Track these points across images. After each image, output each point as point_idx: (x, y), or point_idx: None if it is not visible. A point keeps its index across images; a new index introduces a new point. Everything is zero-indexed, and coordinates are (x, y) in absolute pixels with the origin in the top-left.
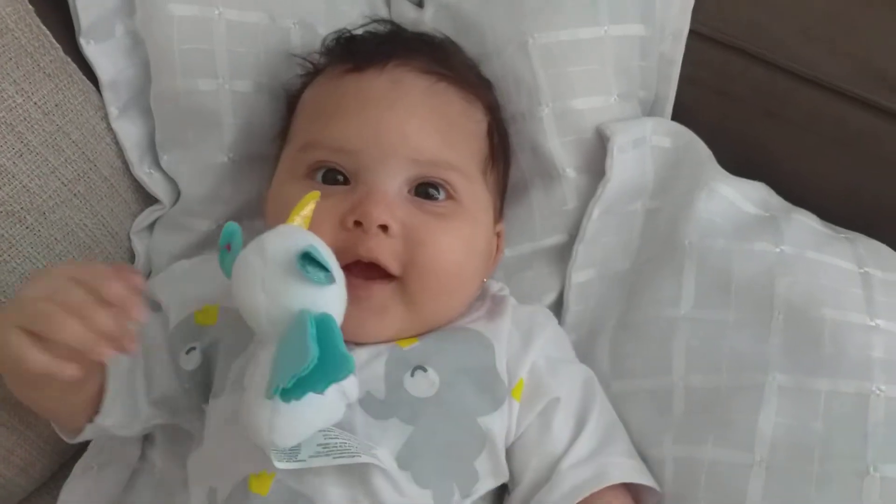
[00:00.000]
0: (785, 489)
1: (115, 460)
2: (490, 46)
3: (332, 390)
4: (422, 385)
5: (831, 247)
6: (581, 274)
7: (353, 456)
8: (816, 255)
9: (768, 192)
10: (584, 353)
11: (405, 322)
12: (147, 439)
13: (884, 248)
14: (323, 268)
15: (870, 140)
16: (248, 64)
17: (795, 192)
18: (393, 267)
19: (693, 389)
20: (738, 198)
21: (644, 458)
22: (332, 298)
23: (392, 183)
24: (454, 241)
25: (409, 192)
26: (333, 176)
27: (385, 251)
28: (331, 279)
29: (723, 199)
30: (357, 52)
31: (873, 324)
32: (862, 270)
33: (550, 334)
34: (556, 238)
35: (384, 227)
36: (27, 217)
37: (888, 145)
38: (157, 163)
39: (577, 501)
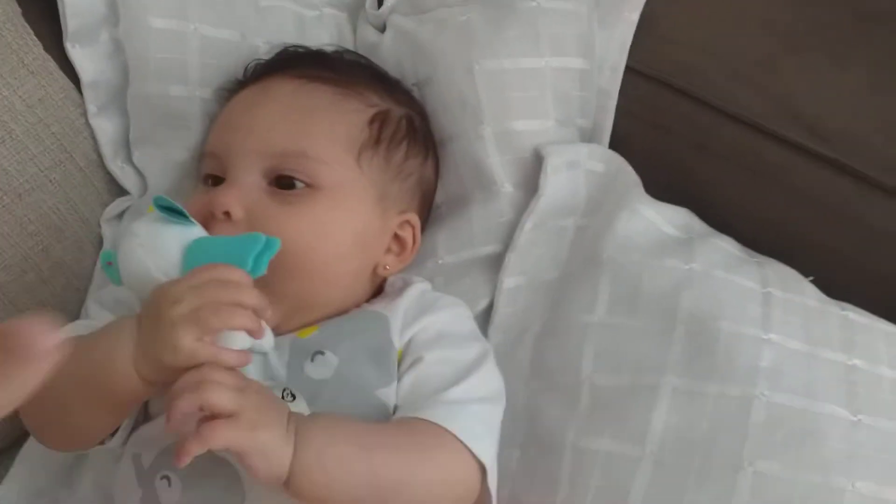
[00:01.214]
0: (668, 481)
1: None
2: (441, 69)
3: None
4: (321, 368)
5: (740, 268)
6: (511, 280)
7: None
8: (723, 274)
9: (691, 217)
10: (508, 353)
11: (278, 308)
12: None
13: (791, 273)
14: (179, 210)
15: (785, 173)
16: (216, 75)
17: (720, 218)
18: None
19: (597, 388)
20: (659, 220)
21: (549, 448)
22: (201, 232)
23: (247, 176)
24: (301, 225)
25: (269, 184)
26: (216, 181)
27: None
28: (189, 218)
29: (643, 220)
30: (252, 73)
31: (766, 337)
32: (765, 290)
33: (448, 315)
34: (492, 247)
35: (228, 214)
36: (4, 197)
37: (801, 179)
38: (129, 158)
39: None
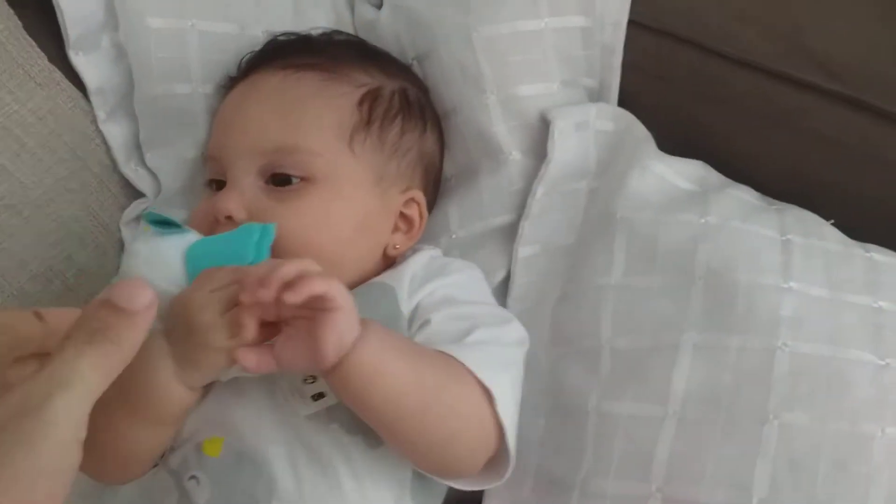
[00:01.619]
0: (693, 437)
1: None
2: (438, 40)
3: None
4: None
5: (758, 217)
6: (527, 249)
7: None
8: (740, 225)
9: (706, 169)
10: (528, 323)
11: None
12: None
13: (811, 217)
14: (172, 221)
15: (799, 116)
16: (219, 69)
17: (736, 168)
18: None
19: (618, 351)
20: (672, 174)
21: (573, 416)
22: (197, 237)
23: (245, 177)
24: (301, 219)
25: (266, 182)
26: (220, 185)
27: None
28: (182, 227)
29: (655, 176)
30: (242, 68)
31: (786, 286)
32: (784, 238)
33: (457, 278)
34: (505, 217)
35: (230, 218)
36: (24, 210)
37: (816, 120)
38: (142, 160)
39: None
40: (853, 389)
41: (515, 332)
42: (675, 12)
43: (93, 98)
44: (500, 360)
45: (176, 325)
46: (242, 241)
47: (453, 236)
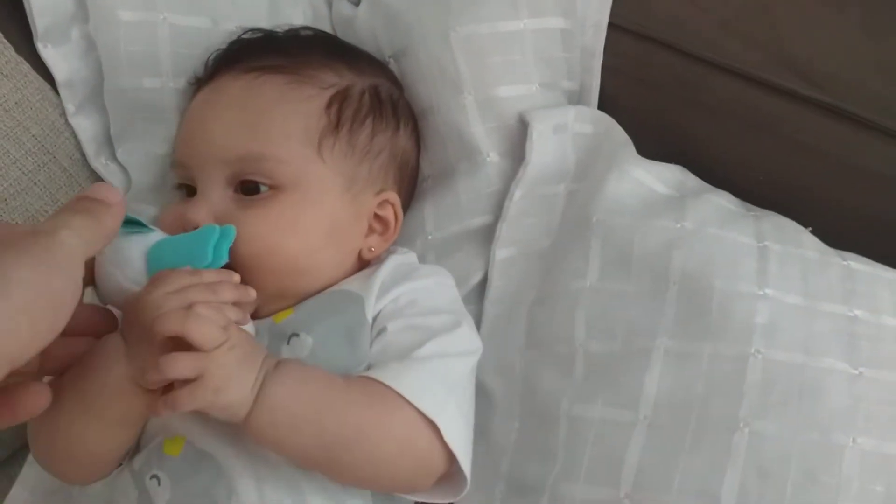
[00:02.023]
0: (663, 444)
1: None
2: (416, 39)
3: None
4: (297, 350)
5: (735, 223)
6: (503, 251)
7: None
8: (717, 231)
9: (685, 174)
10: (505, 325)
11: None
12: None
13: (790, 225)
14: (136, 220)
15: (780, 123)
16: (190, 64)
17: (716, 174)
18: None
19: (591, 354)
20: (650, 179)
21: (546, 419)
22: (161, 236)
23: (213, 187)
24: (269, 227)
25: (235, 191)
26: (190, 189)
27: None
28: (147, 226)
29: (633, 180)
30: (207, 70)
31: (762, 293)
32: (761, 244)
33: (423, 284)
34: (482, 219)
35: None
36: None
37: (796, 128)
38: (112, 155)
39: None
40: (825, 398)
41: (465, 338)
42: (658, 17)
43: (61, 91)
44: (447, 378)
45: (131, 325)
46: (201, 243)
47: (429, 237)
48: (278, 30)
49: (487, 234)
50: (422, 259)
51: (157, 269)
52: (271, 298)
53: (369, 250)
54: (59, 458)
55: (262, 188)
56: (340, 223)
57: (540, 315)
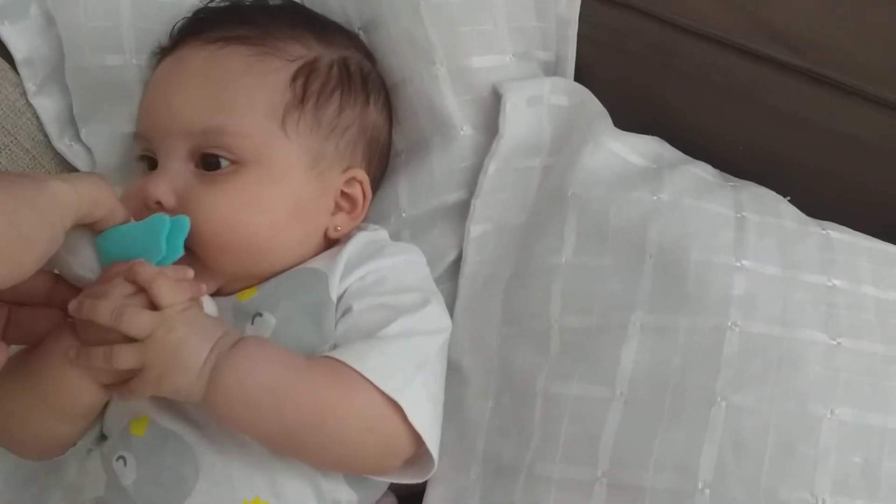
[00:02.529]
0: (639, 421)
1: None
2: (385, 10)
3: None
4: (260, 329)
5: (712, 194)
6: (478, 228)
7: None
8: (693, 202)
9: (661, 145)
10: (480, 303)
11: (217, 280)
12: None
13: (768, 194)
14: None
15: (758, 90)
16: (154, 40)
17: (694, 144)
18: None
19: (567, 330)
20: (625, 151)
21: (521, 397)
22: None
23: (174, 160)
24: (230, 204)
25: (196, 165)
26: (152, 162)
27: None
28: None
29: (608, 152)
30: (169, 41)
31: (738, 264)
32: (739, 215)
33: (391, 262)
34: (457, 195)
35: (160, 203)
36: None
37: (775, 94)
38: (77, 136)
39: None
40: (803, 370)
41: (433, 316)
42: None
43: (21, 70)
44: (413, 357)
45: (82, 320)
46: (153, 234)
47: (403, 215)
48: None
49: (462, 211)
50: (396, 236)
51: (109, 260)
52: (234, 278)
53: (335, 229)
54: (14, 440)
55: (224, 163)
56: (305, 201)
57: (516, 291)
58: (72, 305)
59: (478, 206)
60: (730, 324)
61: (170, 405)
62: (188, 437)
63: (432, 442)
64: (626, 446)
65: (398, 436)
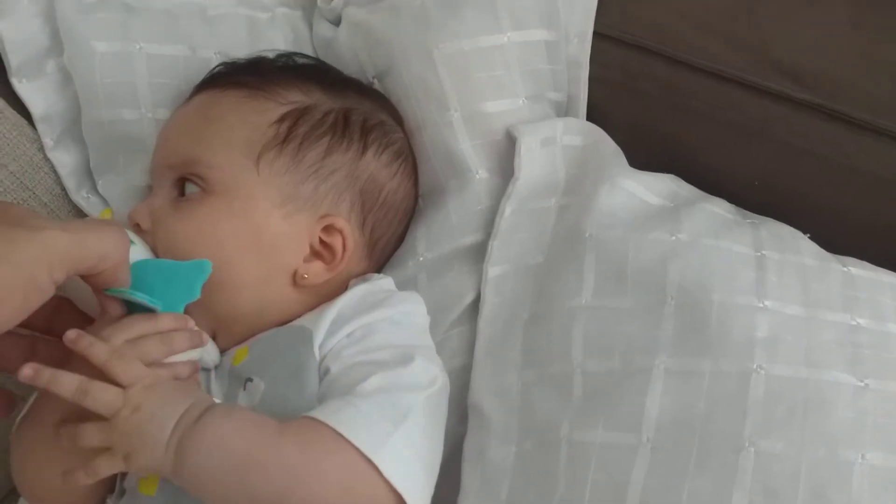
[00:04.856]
0: (667, 468)
1: None
2: (398, 58)
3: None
4: (253, 395)
5: (731, 232)
6: (496, 269)
7: None
8: (713, 242)
9: (678, 183)
10: (500, 345)
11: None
12: None
13: (787, 231)
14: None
15: (770, 126)
16: (168, 94)
17: (709, 181)
18: None
19: (589, 374)
20: (642, 190)
21: (545, 443)
22: (144, 252)
23: (161, 189)
24: (187, 230)
25: (178, 193)
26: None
27: None
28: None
29: (624, 192)
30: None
31: (761, 305)
32: (759, 254)
33: (388, 314)
34: (474, 237)
35: (138, 225)
36: None
37: (787, 130)
38: (94, 188)
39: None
40: (831, 413)
41: (417, 371)
42: (642, 24)
43: (38, 125)
44: (391, 413)
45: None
46: (194, 277)
47: (420, 259)
48: (270, 55)
49: (479, 253)
50: (413, 280)
51: (142, 287)
52: (207, 322)
53: (303, 277)
54: (34, 495)
55: (194, 189)
56: (267, 239)
57: (536, 334)
58: (24, 371)
59: (495, 247)
60: (755, 367)
61: None
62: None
63: (417, 499)
64: (654, 495)
65: (378, 495)
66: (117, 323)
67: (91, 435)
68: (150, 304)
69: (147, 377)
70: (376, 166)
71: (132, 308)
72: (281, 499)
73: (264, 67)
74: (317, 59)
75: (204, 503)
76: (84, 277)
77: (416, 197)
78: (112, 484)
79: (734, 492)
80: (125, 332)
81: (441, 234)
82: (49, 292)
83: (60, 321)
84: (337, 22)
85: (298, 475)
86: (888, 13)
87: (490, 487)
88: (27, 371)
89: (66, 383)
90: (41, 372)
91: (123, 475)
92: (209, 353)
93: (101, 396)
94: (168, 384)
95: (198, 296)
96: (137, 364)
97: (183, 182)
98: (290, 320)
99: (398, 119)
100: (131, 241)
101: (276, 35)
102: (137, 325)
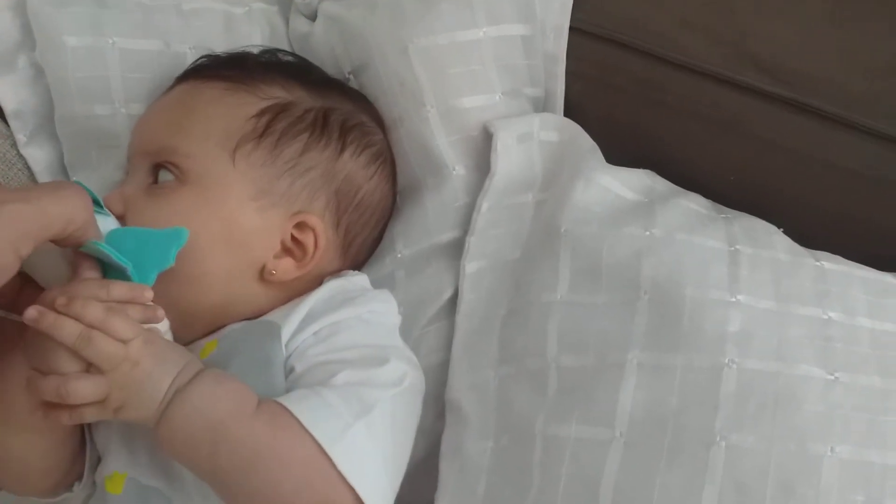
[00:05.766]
0: (640, 462)
1: None
2: (374, 54)
3: None
4: None
5: (704, 228)
6: (473, 265)
7: None
8: (686, 237)
9: (653, 178)
10: (477, 340)
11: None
12: None
13: (760, 226)
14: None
15: (746, 121)
16: (142, 88)
17: (685, 176)
18: None
19: (564, 369)
20: (617, 185)
21: (520, 438)
22: (114, 223)
23: (137, 175)
24: (158, 217)
25: (153, 180)
26: None
27: None
28: (103, 209)
29: (599, 187)
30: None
31: (734, 299)
32: (732, 248)
33: (357, 312)
34: (451, 234)
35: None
36: None
37: (763, 125)
38: None
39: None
40: (801, 406)
41: (391, 372)
42: (619, 19)
43: (11, 121)
44: (356, 406)
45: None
46: (168, 244)
47: (398, 255)
48: (253, 50)
49: (457, 249)
50: (391, 277)
51: (119, 252)
52: (172, 314)
53: (271, 272)
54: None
55: (169, 177)
56: (237, 232)
57: (512, 329)
58: (30, 313)
59: (472, 243)
60: (727, 361)
61: (150, 460)
62: (170, 491)
63: (373, 497)
64: (627, 489)
65: (333, 493)
66: (66, 285)
67: (84, 387)
68: (120, 263)
69: (144, 333)
70: (353, 167)
71: (108, 274)
72: (242, 475)
73: (248, 62)
74: (301, 58)
75: (171, 475)
76: (55, 240)
77: (395, 199)
78: (80, 472)
79: (705, 485)
80: (95, 307)
81: (419, 231)
82: (14, 268)
83: (25, 297)
84: (313, 17)
85: (263, 456)
86: (863, 9)
87: (467, 483)
88: (31, 313)
89: (69, 330)
90: (45, 315)
91: (94, 468)
92: (164, 329)
93: (104, 347)
94: (163, 342)
95: (172, 262)
96: (134, 321)
97: (158, 169)
98: (258, 315)
99: (380, 122)
100: (105, 212)
101: (253, 30)
102: (89, 289)
